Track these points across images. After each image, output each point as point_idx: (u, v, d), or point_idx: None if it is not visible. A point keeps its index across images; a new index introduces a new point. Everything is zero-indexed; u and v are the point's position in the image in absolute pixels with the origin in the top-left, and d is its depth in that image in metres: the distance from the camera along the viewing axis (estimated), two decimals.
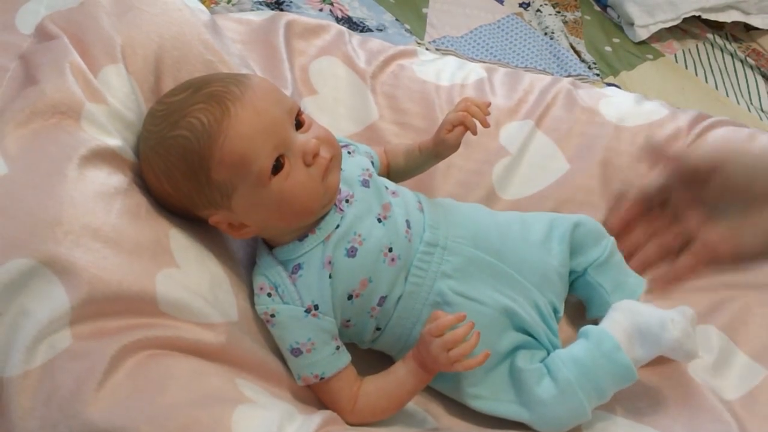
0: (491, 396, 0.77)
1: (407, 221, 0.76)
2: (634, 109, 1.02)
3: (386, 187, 0.78)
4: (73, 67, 0.70)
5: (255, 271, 0.75)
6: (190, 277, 0.69)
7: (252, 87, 0.69)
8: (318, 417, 0.67)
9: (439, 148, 0.81)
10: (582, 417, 0.75)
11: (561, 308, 0.82)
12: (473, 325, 0.70)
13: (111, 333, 0.61)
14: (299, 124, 0.71)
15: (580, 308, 0.88)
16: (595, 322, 0.80)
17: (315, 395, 0.75)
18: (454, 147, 0.80)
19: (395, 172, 0.86)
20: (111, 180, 0.68)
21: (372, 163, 0.82)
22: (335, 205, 0.73)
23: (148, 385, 0.60)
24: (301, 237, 0.73)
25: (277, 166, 0.68)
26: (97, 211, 0.64)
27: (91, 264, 0.61)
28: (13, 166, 0.64)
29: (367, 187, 0.75)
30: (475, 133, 0.78)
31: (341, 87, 1.00)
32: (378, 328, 0.77)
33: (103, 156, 0.68)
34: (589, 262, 0.83)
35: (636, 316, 0.77)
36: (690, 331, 0.75)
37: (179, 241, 0.71)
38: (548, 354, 0.78)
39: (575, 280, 0.85)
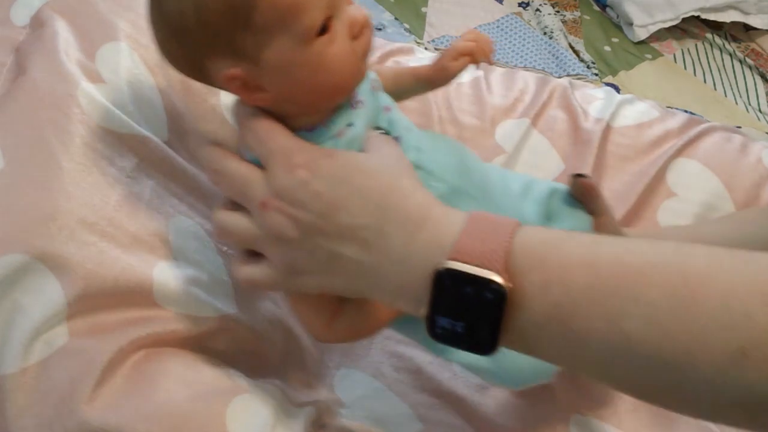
0: None
1: (398, 138, 0.69)
2: (624, 110, 1.03)
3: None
4: (67, 51, 0.71)
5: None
6: (188, 269, 0.69)
7: None
8: (311, 409, 0.67)
9: (437, 75, 0.75)
10: (544, 375, 0.72)
11: None
12: None
13: (108, 330, 0.60)
14: None
15: None
16: None
17: (294, 315, 0.70)
18: (452, 77, 0.75)
19: None
20: (109, 170, 0.67)
21: None
22: (349, 101, 0.66)
23: (143, 382, 0.59)
24: (310, 128, 0.65)
25: (324, 28, 0.60)
26: (94, 204, 0.64)
27: (87, 259, 0.61)
28: (9, 159, 0.64)
29: (374, 97, 0.68)
30: (478, 65, 0.74)
31: None
32: None
33: (102, 141, 0.68)
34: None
35: None
36: None
37: (178, 232, 0.70)
38: None
39: None
